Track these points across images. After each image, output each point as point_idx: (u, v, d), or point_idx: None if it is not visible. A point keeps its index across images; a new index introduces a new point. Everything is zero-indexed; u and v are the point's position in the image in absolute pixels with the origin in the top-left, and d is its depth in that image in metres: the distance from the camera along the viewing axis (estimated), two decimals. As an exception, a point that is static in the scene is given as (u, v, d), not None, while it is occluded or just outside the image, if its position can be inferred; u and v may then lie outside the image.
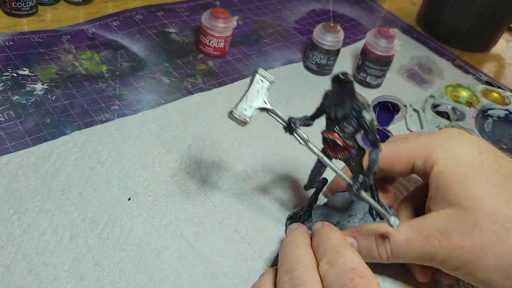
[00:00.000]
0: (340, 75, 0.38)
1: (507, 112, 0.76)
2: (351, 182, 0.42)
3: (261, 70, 0.44)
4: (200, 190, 0.54)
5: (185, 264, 0.47)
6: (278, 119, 0.43)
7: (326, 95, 0.42)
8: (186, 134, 0.60)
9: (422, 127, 0.71)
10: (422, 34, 0.95)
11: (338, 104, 0.40)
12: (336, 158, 0.44)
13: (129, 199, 0.51)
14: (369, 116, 0.40)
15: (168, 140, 0.59)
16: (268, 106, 0.43)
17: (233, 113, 0.42)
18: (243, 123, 0.43)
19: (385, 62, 0.74)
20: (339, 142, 0.42)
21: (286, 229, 0.52)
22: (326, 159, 0.43)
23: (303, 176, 0.59)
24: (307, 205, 0.52)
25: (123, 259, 0.46)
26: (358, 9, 0.98)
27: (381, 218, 0.49)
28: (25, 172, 0.51)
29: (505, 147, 0.71)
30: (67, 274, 0.43)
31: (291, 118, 0.43)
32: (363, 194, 0.42)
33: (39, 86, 0.61)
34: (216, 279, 0.46)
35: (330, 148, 0.43)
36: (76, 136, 0.56)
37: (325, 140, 0.43)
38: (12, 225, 0.46)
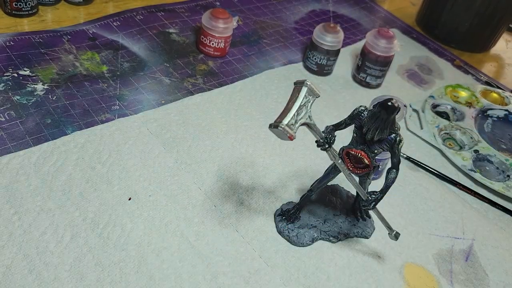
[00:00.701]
0: (392, 103, 0.40)
1: (506, 112, 0.76)
2: (369, 198, 0.46)
3: (309, 84, 0.40)
4: (200, 190, 0.54)
5: (185, 264, 0.47)
6: (317, 135, 0.43)
7: (371, 114, 0.42)
8: (187, 134, 0.60)
9: (421, 127, 0.71)
10: (421, 34, 0.95)
11: (379, 128, 0.42)
12: (354, 173, 0.46)
13: (129, 199, 0.51)
14: (402, 142, 0.43)
15: (169, 140, 0.59)
16: (312, 122, 0.41)
17: (280, 128, 0.39)
18: (288, 138, 0.40)
19: (385, 63, 0.74)
20: (367, 161, 0.44)
21: (276, 224, 0.52)
22: (353, 176, 0.46)
23: (303, 176, 0.59)
24: (298, 205, 0.53)
25: (124, 259, 0.46)
26: (358, 9, 0.98)
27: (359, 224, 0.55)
28: (26, 172, 0.51)
29: (504, 147, 0.71)
30: (68, 274, 0.44)
31: (328, 135, 0.43)
32: (377, 209, 0.47)
33: (39, 86, 0.61)
34: (217, 279, 0.46)
35: (350, 163, 0.46)
36: (77, 136, 0.56)
37: (347, 155, 0.46)
38: (13, 225, 0.46)
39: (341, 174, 0.47)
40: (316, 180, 0.51)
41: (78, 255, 0.45)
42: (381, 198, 0.45)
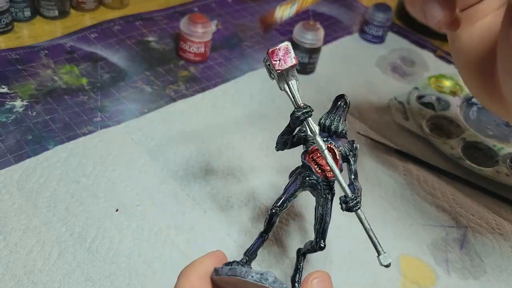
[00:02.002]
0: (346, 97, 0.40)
1: (491, 98, 0.76)
2: (352, 197, 0.36)
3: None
4: (189, 196, 0.53)
5: (177, 273, 0.46)
6: (295, 95, 0.37)
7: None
8: (172, 142, 0.59)
9: (407, 119, 0.71)
10: (402, 28, 0.95)
11: (340, 120, 0.39)
12: (328, 178, 0.38)
13: (117, 211, 0.50)
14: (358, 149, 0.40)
15: (154, 149, 0.58)
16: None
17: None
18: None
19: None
20: (337, 154, 0.38)
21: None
22: (332, 162, 0.36)
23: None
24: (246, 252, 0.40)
25: (114, 272, 0.45)
26: (337, 6, 0.98)
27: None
28: (9, 191, 0.50)
29: (491, 133, 0.71)
30: (57, 291, 0.42)
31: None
32: (360, 212, 0.36)
33: (18, 103, 0.60)
34: (210, 285, 0.45)
35: (316, 165, 0.39)
36: (59, 151, 0.55)
37: (312, 159, 0.39)
38: (-2, 245, 0.45)
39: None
40: (276, 205, 0.39)
41: (67, 272, 0.44)
42: (360, 201, 0.36)
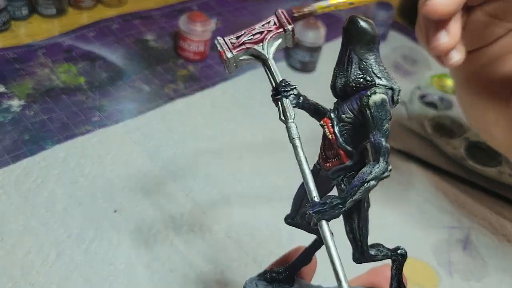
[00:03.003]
0: (354, 17, 0.25)
1: (493, 97, 0.76)
2: (310, 204, 0.25)
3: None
4: (188, 196, 0.53)
5: (176, 274, 0.45)
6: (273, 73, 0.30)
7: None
8: (170, 141, 0.59)
9: (410, 119, 0.70)
10: (404, 26, 0.95)
11: (339, 67, 0.27)
12: (326, 169, 0.28)
13: (115, 211, 0.50)
14: (378, 96, 0.25)
15: (152, 149, 0.57)
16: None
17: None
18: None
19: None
20: (327, 132, 0.27)
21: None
22: (302, 157, 0.27)
23: (293, 176, 0.58)
24: (290, 266, 0.34)
25: (113, 273, 0.44)
26: (338, 5, 0.97)
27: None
28: (6, 191, 0.49)
29: (494, 132, 0.70)
30: (55, 293, 0.42)
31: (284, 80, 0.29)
32: (324, 227, 0.25)
33: (16, 103, 0.59)
34: (210, 287, 0.45)
35: (323, 153, 0.28)
36: (57, 150, 0.54)
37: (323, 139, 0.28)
38: (-6, 247, 0.44)
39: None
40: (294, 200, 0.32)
41: (65, 273, 0.44)
42: (341, 205, 0.24)
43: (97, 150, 0.55)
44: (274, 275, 0.33)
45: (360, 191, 0.24)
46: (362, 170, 0.24)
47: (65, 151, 0.54)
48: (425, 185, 0.61)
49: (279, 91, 0.29)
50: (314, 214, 0.24)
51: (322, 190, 0.27)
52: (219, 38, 0.30)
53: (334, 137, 0.26)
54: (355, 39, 0.25)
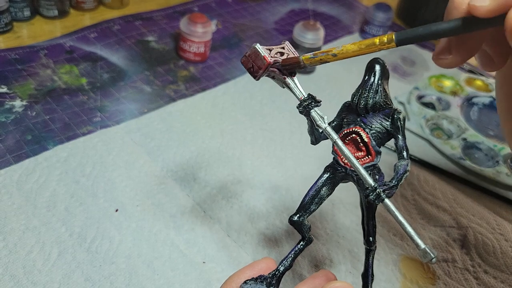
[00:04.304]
0: (371, 61, 0.36)
1: (491, 99, 0.76)
2: (377, 185, 0.31)
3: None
4: (188, 196, 0.53)
5: (177, 273, 0.46)
6: (294, 91, 0.36)
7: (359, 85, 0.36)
8: (171, 142, 0.59)
9: (408, 119, 0.71)
10: (402, 27, 0.95)
11: (370, 90, 0.36)
12: (350, 166, 0.35)
13: (116, 211, 0.50)
14: (403, 114, 0.35)
15: (153, 149, 0.58)
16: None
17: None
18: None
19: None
20: (364, 136, 0.34)
21: None
22: (346, 151, 0.32)
23: (292, 176, 0.58)
24: (276, 273, 0.36)
25: (114, 272, 0.45)
26: (337, 6, 0.98)
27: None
28: (9, 191, 0.50)
29: (491, 133, 0.71)
30: (57, 292, 0.42)
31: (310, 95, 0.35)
32: (388, 202, 0.31)
33: (18, 103, 0.60)
34: (210, 286, 0.45)
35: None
36: (59, 151, 0.55)
37: (342, 141, 0.34)
38: (-3, 246, 0.45)
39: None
40: (305, 200, 0.37)
41: (67, 272, 0.44)
42: (396, 187, 0.32)
43: (98, 150, 0.56)
44: (268, 280, 0.36)
45: (404, 177, 0.32)
46: (401, 163, 0.33)
47: (67, 151, 0.55)
48: (423, 184, 0.61)
49: (306, 105, 0.35)
50: (382, 193, 0.31)
51: (330, 188, 0.37)
52: (258, 44, 0.34)
53: (369, 140, 0.34)
54: (385, 75, 0.36)
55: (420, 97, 0.75)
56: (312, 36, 0.73)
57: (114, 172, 0.54)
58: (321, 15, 0.94)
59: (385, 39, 0.34)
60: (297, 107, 0.35)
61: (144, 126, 0.60)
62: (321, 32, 0.74)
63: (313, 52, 0.36)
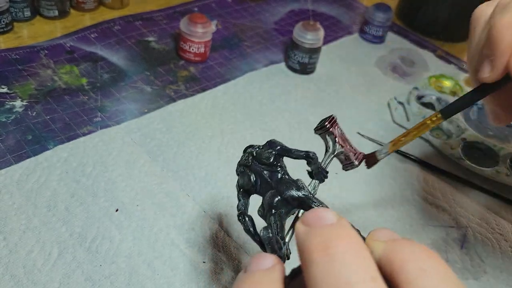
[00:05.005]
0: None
1: (491, 98, 0.76)
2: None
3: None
4: (189, 196, 0.53)
5: (177, 272, 0.46)
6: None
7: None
8: (171, 142, 0.59)
9: (408, 119, 0.71)
10: (402, 27, 0.95)
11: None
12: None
13: (116, 210, 0.50)
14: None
15: (154, 149, 0.58)
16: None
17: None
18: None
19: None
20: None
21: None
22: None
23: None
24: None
25: (114, 272, 0.45)
26: (337, 6, 0.98)
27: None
28: (9, 190, 0.50)
29: (491, 133, 0.71)
30: (57, 291, 0.42)
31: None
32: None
33: (18, 103, 0.60)
34: (210, 286, 0.45)
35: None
36: (59, 151, 0.55)
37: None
38: (-3, 245, 0.45)
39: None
40: None
41: (67, 272, 0.44)
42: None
43: (98, 151, 0.56)
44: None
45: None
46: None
47: (67, 151, 0.55)
48: (423, 184, 0.61)
49: (318, 173, 0.36)
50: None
51: None
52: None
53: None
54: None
55: (419, 97, 0.75)
56: (312, 36, 0.73)
57: (115, 172, 0.54)
58: (321, 15, 0.94)
59: (434, 118, 0.40)
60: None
61: (144, 126, 0.60)
62: (321, 32, 0.74)
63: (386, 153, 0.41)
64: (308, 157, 0.35)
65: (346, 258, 0.21)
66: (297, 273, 0.25)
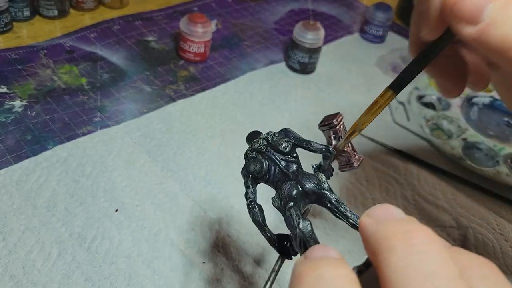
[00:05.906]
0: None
1: (491, 99, 0.76)
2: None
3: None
4: (188, 196, 0.53)
5: (177, 273, 0.46)
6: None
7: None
8: (171, 142, 0.59)
9: (408, 119, 0.71)
10: (402, 27, 0.95)
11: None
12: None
13: (116, 211, 0.50)
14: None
15: (153, 149, 0.58)
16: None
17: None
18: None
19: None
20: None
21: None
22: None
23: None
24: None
25: (114, 272, 0.45)
26: (338, 6, 0.98)
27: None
28: (8, 191, 0.50)
29: (492, 133, 0.71)
30: (57, 292, 0.42)
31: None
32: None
33: (18, 103, 0.60)
34: (210, 286, 0.45)
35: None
36: (59, 151, 0.55)
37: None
38: (-3, 246, 0.45)
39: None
40: None
41: (67, 272, 0.44)
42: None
43: (98, 151, 0.56)
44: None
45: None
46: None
47: (67, 151, 0.55)
48: (423, 185, 0.61)
49: (327, 169, 0.35)
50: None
51: None
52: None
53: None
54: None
55: (420, 97, 0.75)
56: (312, 36, 0.73)
57: (114, 172, 0.54)
58: (321, 15, 0.94)
59: (385, 95, 0.35)
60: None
61: (144, 126, 0.60)
62: (321, 32, 0.74)
63: (342, 141, 0.37)
64: (328, 151, 0.34)
65: (430, 250, 0.19)
66: (361, 272, 0.24)
